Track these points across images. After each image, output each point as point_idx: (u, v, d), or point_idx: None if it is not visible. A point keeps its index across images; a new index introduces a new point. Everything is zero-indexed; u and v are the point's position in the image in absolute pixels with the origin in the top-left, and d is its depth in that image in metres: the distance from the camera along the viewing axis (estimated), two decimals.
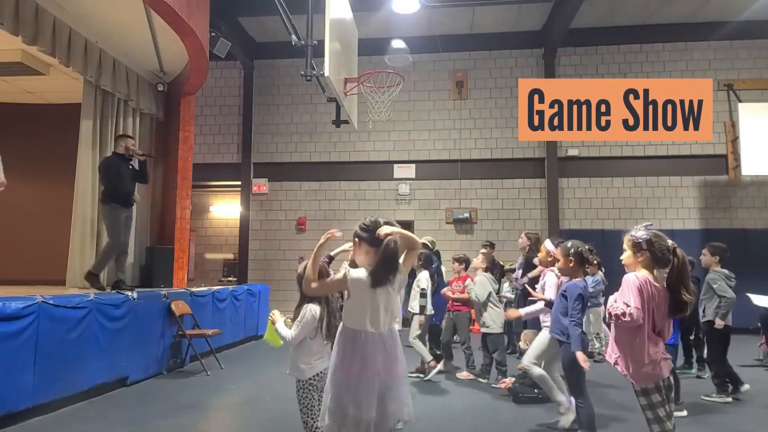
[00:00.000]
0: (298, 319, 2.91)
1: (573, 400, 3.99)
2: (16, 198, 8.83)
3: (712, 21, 10.67)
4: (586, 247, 3.69)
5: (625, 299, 2.65)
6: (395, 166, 11.65)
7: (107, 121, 7.42)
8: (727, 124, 10.89)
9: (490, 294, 5.81)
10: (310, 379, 2.93)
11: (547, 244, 4.34)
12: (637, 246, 2.77)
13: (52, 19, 6.20)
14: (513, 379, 5.27)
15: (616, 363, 2.75)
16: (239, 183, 11.99)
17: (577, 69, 11.45)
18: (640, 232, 2.77)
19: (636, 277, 2.69)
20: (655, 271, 2.74)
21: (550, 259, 4.24)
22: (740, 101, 10.64)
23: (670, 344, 4.75)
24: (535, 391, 4.77)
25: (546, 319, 4.30)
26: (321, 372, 2.96)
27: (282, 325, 2.94)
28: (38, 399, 4.15)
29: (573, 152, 11.13)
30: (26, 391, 4.03)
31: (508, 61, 11.65)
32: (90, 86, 7.13)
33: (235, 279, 11.59)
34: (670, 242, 2.74)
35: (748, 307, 7.04)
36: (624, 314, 2.59)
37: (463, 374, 6.03)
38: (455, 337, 6.45)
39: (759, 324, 7.10)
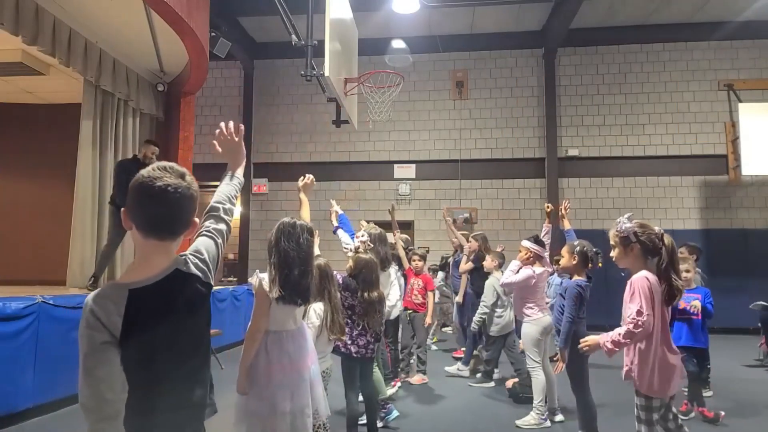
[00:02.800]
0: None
1: (549, 422, 4.18)
2: (16, 198, 8.87)
3: (712, 21, 10.67)
4: (594, 250, 3.68)
5: (637, 305, 2.48)
6: (395, 166, 11.65)
7: (107, 121, 7.42)
8: (727, 124, 10.89)
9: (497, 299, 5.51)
10: None
11: (525, 243, 4.56)
12: (625, 239, 2.64)
13: (52, 19, 6.20)
14: (516, 379, 5.26)
15: (629, 373, 2.59)
16: None
17: (577, 69, 11.46)
18: (625, 225, 2.66)
19: (647, 279, 2.52)
20: (647, 262, 2.61)
21: (527, 256, 4.48)
22: (740, 101, 10.64)
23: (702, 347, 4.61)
24: None
25: (527, 313, 4.37)
26: (323, 372, 2.95)
27: None
28: (38, 399, 4.15)
29: (573, 152, 11.14)
30: (26, 391, 4.03)
31: (508, 61, 11.65)
32: (90, 86, 7.13)
33: (235, 279, 11.58)
34: (657, 229, 2.65)
35: (749, 308, 7.06)
36: (637, 324, 2.43)
37: (417, 378, 5.70)
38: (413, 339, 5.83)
39: (759, 324, 7.10)
